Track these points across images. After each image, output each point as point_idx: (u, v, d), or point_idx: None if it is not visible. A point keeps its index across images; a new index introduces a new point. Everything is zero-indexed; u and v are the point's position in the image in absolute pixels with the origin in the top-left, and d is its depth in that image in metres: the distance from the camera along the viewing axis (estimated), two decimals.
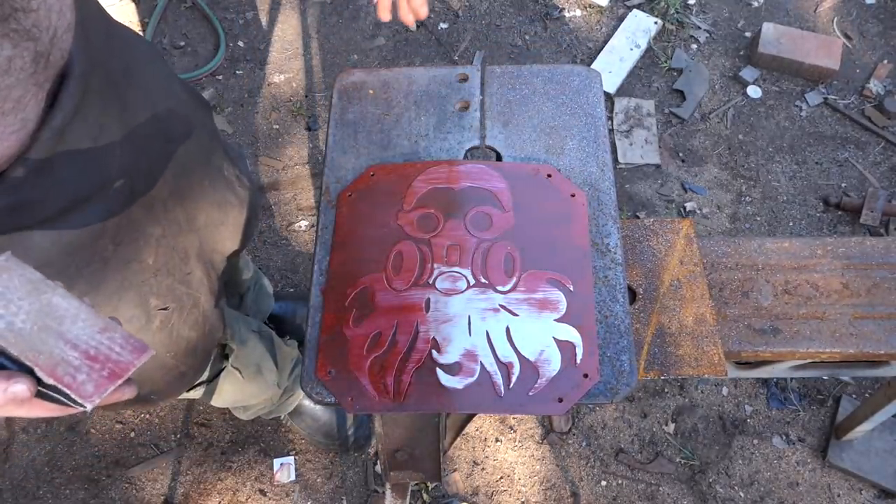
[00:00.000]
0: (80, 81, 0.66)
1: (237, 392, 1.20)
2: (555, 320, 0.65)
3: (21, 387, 0.47)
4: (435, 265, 0.68)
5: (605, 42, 2.09)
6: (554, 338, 0.64)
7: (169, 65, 0.99)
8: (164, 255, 0.84)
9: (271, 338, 1.27)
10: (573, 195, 0.72)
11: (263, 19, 2.17)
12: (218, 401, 1.18)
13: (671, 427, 1.59)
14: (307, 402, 1.52)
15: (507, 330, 0.65)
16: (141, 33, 2.13)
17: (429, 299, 0.66)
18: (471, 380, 0.63)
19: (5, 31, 0.53)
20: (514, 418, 1.60)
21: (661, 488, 1.53)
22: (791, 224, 1.83)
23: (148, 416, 1.61)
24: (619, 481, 1.54)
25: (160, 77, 0.85)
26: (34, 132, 0.63)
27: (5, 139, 0.59)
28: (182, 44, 2.11)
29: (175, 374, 0.95)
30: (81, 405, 0.46)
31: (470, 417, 0.96)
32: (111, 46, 0.75)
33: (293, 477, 1.54)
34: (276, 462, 1.55)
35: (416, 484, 1.51)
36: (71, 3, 0.61)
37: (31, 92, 0.58)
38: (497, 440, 1.58)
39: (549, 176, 0.73)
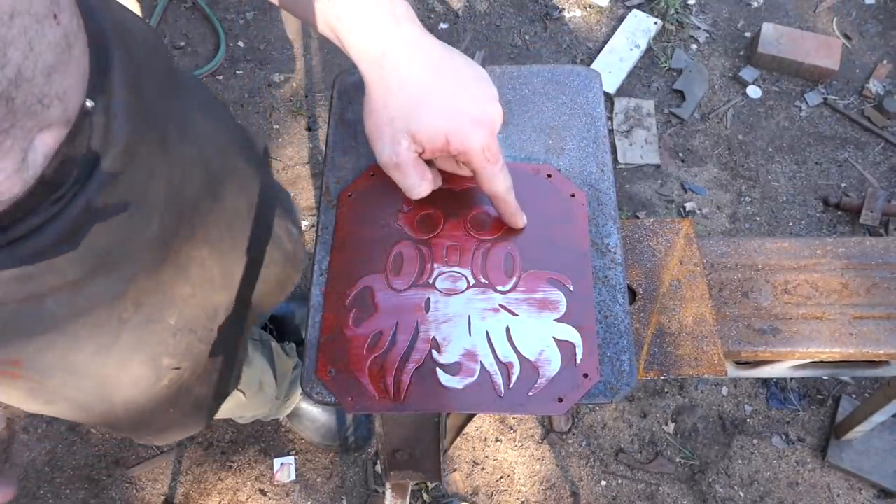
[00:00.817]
0: (126, 150, 0.59)
1: (236, 408, 1.19)
2: (555, 320, 0.65)
3: None
4: (435, 265, 0.68)
5: (605, 42, 2.09)
6: (554, 338, 0.64)
7: (228, 112, 0.91)
8: (190, 314, 0.78)
9: (271, 347, 1.25)
10: (573, 195, 0.72)
11: (263, 19, 2.17)
12: (216, 415, 1.16)
13: (671, 427, 1.59)
14: (305, 405, 1.52)
15: (507, 330, 0.65)
16: None
17: (429, 299, 0.66)
18: (471, 380, 0.63)
19: None
20: (514, 418, 1.60)
21: (660, 488, 1.53)
22: (791, 224, 1.84)
23: None
24: (619, 481, 1.54)
25: (219, 131, 0.79)
26: (56, 199, 0.55)
27: None
28: (182, 44, 2.12)
29: (176, 424, 0.91)
30: None
31: (470, 417, 0.96)
32: (170, 104, 0.68)
33: (293, 477, 1.55)
34: (277, 462, 1.55)
35: (417, 484, 1.51)
36: (55, 44, 0.51)
37: None
38: (497, 440, 1.58)
39: (549, 176, 0.73)
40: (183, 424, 0.93)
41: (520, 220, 0.69)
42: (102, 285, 0.64)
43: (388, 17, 0.60)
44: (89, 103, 0.57)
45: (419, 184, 0.65)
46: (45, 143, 0.53)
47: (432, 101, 0.61)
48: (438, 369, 0.63)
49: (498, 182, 0.65)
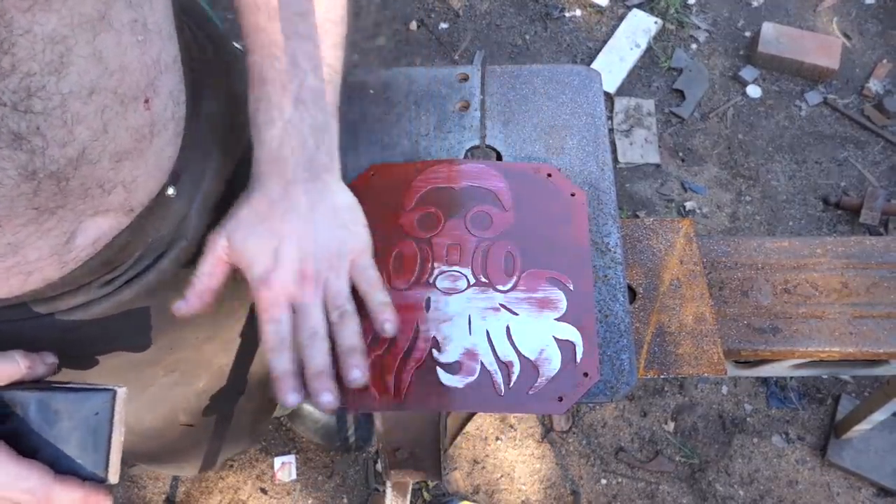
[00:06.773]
0: (201, 244, 0.54)
1: None
2: (555, 319, 0.65)
3: None
4: (435, 264, 0.68)
5: (605, 42, 2.09)
6: (554, 337, 0.64)
7: None
8: (220, 381, 0.75)
9: None
10: (573, 194, 0.72)
11: None
12: None
13: (671, 426, 1.59)
14: (306, 406, 1.52)
15: (508, 329, 0.65)
16: None
17: (429, 298, 0.67)
18: (471, 379, 0.63)
19: None
20: (514, 417, 1.60)
21: (660, 487, 1.53)
22: (791, 223, 1.84)
23: None
24: (619, 480, 1.54)
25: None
26: (107, 281, 0.52)
27: None
28: None
29: (170, 464, 0.87)
30: None
31: (470, 416, 0.96)
32: None
33: (294, 475, 1.55)
34: (277, 461, 1.56)
35: (417, 482, 1.51)
36: (135, 130, 0.46)
37: (24, 216, 0.43)
38: (497, 439, 1.58)
39: (550, 175, 0.73)
40: (179, 467, 0.90)
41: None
42: (137, 355, 0.61)
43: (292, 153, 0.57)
44: (171, 191, 0.54)
45: (202, 278, 0.56)
46: (99, 227, 0.49)
47: (247, 225, 0.56)
48: (439, 368, 0.63)
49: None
